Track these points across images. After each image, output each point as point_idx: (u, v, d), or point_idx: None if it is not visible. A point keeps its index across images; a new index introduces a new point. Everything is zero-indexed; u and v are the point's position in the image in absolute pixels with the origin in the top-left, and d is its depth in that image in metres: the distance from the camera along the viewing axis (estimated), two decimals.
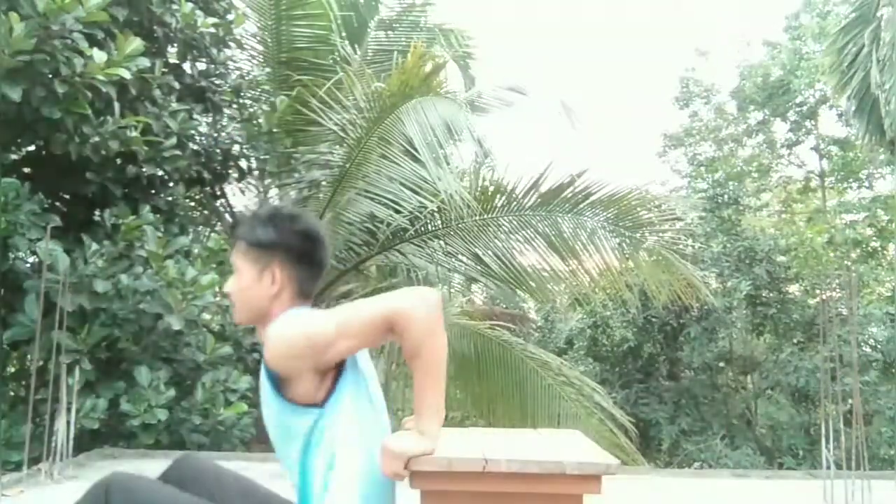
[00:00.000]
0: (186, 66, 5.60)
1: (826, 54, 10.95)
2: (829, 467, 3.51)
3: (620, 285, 7.17)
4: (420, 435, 1.57)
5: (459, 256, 7.18)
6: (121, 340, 4.43)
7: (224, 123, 5.92)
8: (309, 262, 1.74)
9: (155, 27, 5.04)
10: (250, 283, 1.71)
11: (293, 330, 1.59)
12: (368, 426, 1.67)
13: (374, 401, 1.72)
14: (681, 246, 7.47)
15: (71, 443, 3.76)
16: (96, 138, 4.34)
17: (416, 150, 6.05)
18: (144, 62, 4.33)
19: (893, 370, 9.86)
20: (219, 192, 6.64)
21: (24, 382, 4.78)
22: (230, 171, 5.96)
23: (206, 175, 5.69)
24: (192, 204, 6.45)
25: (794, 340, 10.48)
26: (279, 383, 1.61)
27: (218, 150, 5.65)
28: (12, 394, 4.81)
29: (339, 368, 1.64)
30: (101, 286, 4.26)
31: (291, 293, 1.71)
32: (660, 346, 10.63)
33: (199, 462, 1.86)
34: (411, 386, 1.61)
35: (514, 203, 6.72)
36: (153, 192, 5.32)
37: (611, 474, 1.56)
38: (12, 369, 5.08)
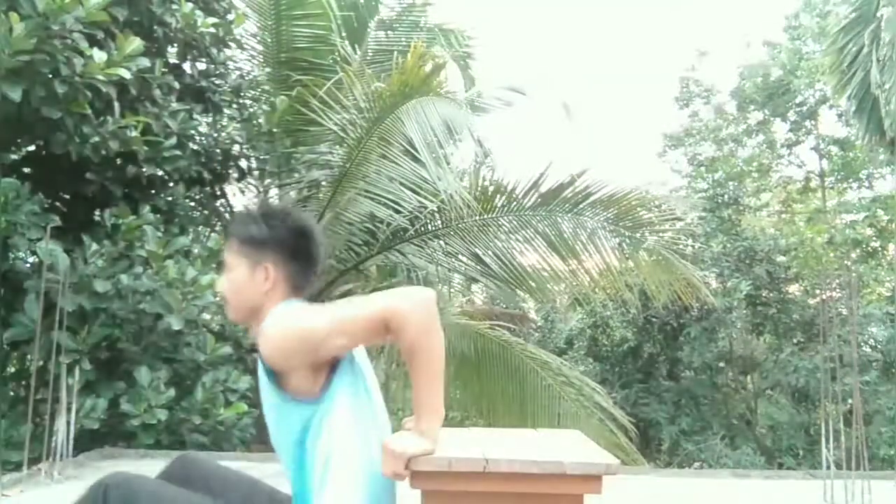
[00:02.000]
0: (186, 66, 5.61)
1: (826, 54, 10.96)
2: (829, 467, 3.51)
3: (620, 285, 7.16)
4: (420, 435, 1.56)
5: (459, 256, 7.18)
6: (121, 340, 4.44)
7: (224, 123, 5.92)
8: (302, 258, 1.74)
9: (155, 27, 5.04)
10: (243, 279, 1.71)
11: (287, 325, 1.59)
12: (366, 421, 1.66)
13: (372, 397, 1.72)
14: (681, 246, 7.47)
15: (71, 443, 3.76)
16: (96, 138, 4.34)
17: (416, 150, 6.05)
18: (144, 62, 4.33)
19: (893, 370, 9.86)
20: (219, 192, 6.64)
21: (24, 382, 4.78)
22: (230, 171, 5.97)
23: (206, 175, 5.69)
24: (192, 204, 6.44)
25: (794, 340, 10.48)
26: (276, 377, 1.61)
27: (218, 150, 5.65)
28: (12, 394, 4.81)
29: (334, 363, 1.63)
30: (101, 286, 4.26)
31: (284, 289, 1.71)
32: (660, 346, 10.63)
33: (198, 460, 1.86)
34: (411, 386, 1.61)
35: (514, 203, 6.72)
36: (153, 192, 5.32)
37: (611, 474, 1.55)
38: (12, 369, 5.07)
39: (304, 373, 1.59)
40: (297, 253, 1.73)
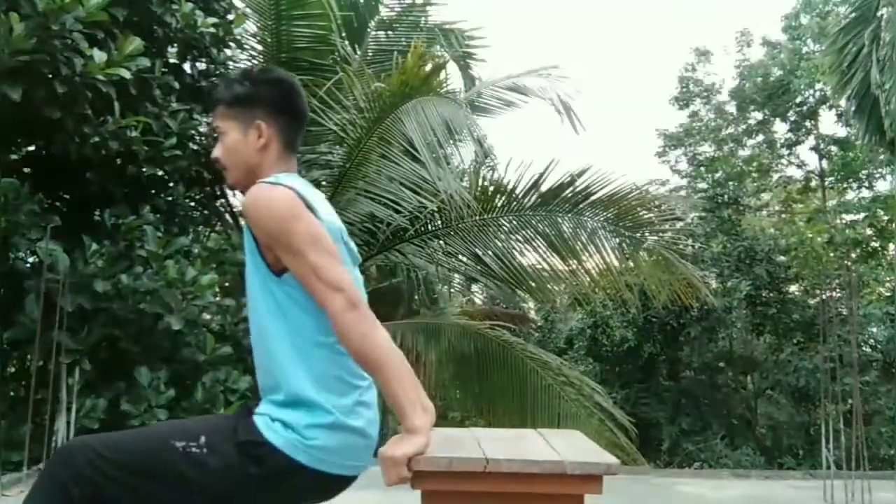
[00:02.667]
0: (186, 66, 5.60)
1: (826, 54, 10.95)
2: (829, 467, 3.51)
3: (620, 285, 7.16)
4: (411, 434, 1.54)
5: (459, 256, 7.18)
6: (121, 340, 4.43)
7: None
8: (290, 111, 1.74)
9: (155, 27, 5.03)
10: (237, 140, 1.71)
11: (273, 206, 1.56)
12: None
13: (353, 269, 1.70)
14: (681, 246, 7.48)
15: None
16: (96, 138, 4.34)
17: (416, 150, 6.06)
18: (144, 62, 4.32)
19: (893, 370, 9.86)
20: (219, 192, 6.64)
21: (24, 382, 4.78)
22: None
23: (206, 175, 5.69)
24: (192, 204, 6.45)
25: (794, 340, 10.48)
26: (259, 246, 1.60)
27: None
28: (12, 394, 4.81)
29: None
30: (101, 286, 4.26)
31: (278, 145, 1.72)
32: (660, 346, 10.62)
33: None
34: (383, 393, 1.60)
35: (514, 203, 6.72)
36: (153, 192, 5.32)
37: (611, 474, 1.55)
38: (12, 369, 5.07)
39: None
40: (285, 106, 1.74)
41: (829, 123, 17.37)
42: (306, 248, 1.54)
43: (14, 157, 4.90)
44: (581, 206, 6.66)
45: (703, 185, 15.75)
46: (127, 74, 4.12)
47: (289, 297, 1.60)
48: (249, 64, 6.85)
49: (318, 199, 1.71)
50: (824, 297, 4.84)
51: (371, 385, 1.67)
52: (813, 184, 18.19)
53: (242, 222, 1.59)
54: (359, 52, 7.67)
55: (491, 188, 6.83)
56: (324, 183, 6.63)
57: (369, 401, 1.66)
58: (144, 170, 4.98)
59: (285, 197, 1.58)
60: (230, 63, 6.05)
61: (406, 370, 1.57)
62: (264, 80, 1.76)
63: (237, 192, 6.78)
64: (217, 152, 1.75)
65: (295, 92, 1.77)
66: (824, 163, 17.72)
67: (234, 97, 1.73)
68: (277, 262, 1.59)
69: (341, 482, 1.63)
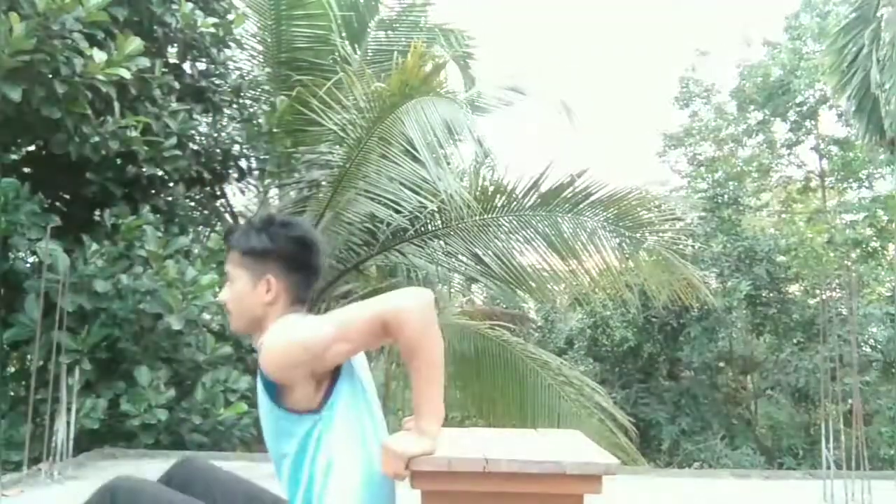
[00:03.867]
0: (186, 66, 5.60)
1: (826, 54, 10.95)
2: (829, 467, 3.51)
3: (620, 285, 7.16)
4: (420, 435, 1.56)
5: (459, 256, 7.18)
6: (121, 340, 4.43)
7: (224, 123, 5.92)
8: (304, 269, 1.73)
9: (155, 27, 5.04)
10: (245, 291, 1.71)
11: (289, 339, 1.59)
12: (367, 431, 1.66)
13: (373, 407, 1.72)
14: (681, 246, 7.47)
15: (71, 443, 3.76)
16: (96, 138, 4.34)
17: (416, 150, 6.05)
18: (144, 62, 4.32)
19: (893, 370, 9.86)
20: (219, 192, 6.64)
21: (24, 382, 4.77)
22: (230, 171, 5.97)
23: (206, 175, 5.69)
24: (192, 204, 6.45)
25: (794, 340, 10.48)
26: (276, 391, 1.61)
27: (218, 150, 5.65)
28: (12, 394, 4.80)
29: (334, 374, 1.63)
30: (101, 286, 4.26)
31: (287, 300, 1.71)
32: (660, 346, 10.63)
33: (199, 463, 1.86)
34: (411, 386, 1.61)
35: (514, 203, 6.72)
36: (153, 192, 5.32)
37: (611, 474, 1.56)
38: (12, 369, 5.07)
39: (307, 384, 1.59)
40: (298, 264, 1.72)
41: (829, 123, 17.35)
42: (333, 324, 1.58)
43: (14, 157, 4.90)
44: (581, 206, 6.66)
45: (703, 185, 15.74)
46: (127, 74, 4.12)
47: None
48: (250, 64, 6.85)
49: None
50: (824, 297, 4.84)
51: None
52: (813, 184, 18.18)
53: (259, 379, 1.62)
54: (359, 52, 7.67)
55: (491, 188, 6.82)
56: (324, 183, 6.63)
57: None
58: (144, 170, 4.98)
59: (296, 325, 1.63)
60: (230, 63, 6.06)
61: (441, 375, 1.59)
62: (285, 236, 1.72)
63: (237, 192, 6.80)
64: (223, 296, 1.76)
65: (312, 249, 1.75)
66: (824, 163, 17.71)
67: (250, 249, 1.71)
68: (313, 397, 1.61)
69: None
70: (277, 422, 1.63)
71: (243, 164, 6.01)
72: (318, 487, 1.60)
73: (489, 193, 6.78)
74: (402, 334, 1.54)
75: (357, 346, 1.63)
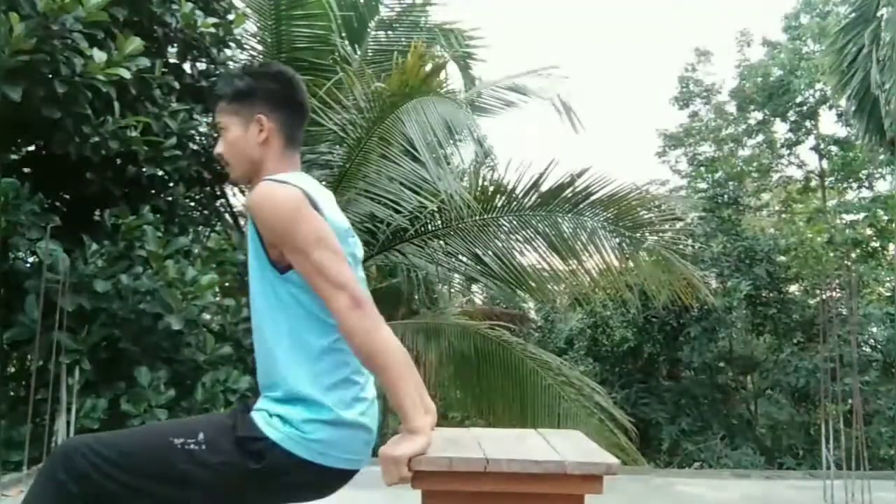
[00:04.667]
0: (186, 66, 5.59)
1: (826, 54, 10.96)
2: (829, 467, 3.51)
3: (620, 285, 7.17)
4: (411, 434, 1.55)
5: (459, 256, 7.18)
6: (121, 340, 4.43)
7: None
8: (290, 104, 1.75)
9: (155, 27, 5.03)
10: (239, 135, 1.71)
11: (278, 205, 1.57)
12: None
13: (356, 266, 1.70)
14: (681, 246, 7.48)
15: None
16: (96, 138, 4.33)
17: (416, 150, 6.05)
18: (144, 62, 4.32)
19: (893, 370, 9.86)
20: (219, 192, 6.64)
21: (24, 382, 4.77)
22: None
23: (206, 175, 5.68)
24: (192, 204, 6.44)
25: (794, 340, 10.48)
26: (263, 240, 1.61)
27: None
28: (12, 394, 4.80)
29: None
30: (101, 286, 4.26)
31: (280, 139, 1.72)
32: (660, 346, 10.63)
33: None
34: (385, 391, 1.59)
35: (514, 203, 6.72)
36: (153, 192, 5.32)
37: (611, 474, 1.56)
38: (12, 369, 5.07)
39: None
40: (285, 100, 1.74)
41: (829, 123, 17.42)
42: (311, 248, 1.55)
43: (14, 157, 4.89)
44: (581, 206, 6.66)
45: (703, 185, 15.74)
46: (127, 74, 4.11)
47: (290, 295, 1.60)
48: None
49: (326, 198, 1.71)
50: (824, 297, 4.84)
51: (370, 380, 1.67)
52: (813, 184, 18.19)
53: (247, 220, 1.59)
54: (359, 52, 7.67)
55: (491, 188, 6.83)
56: (324, 183, 6.61)
57: (368, 396, 1.66)
58: (144, 170, 4.98)
59: (291, 196, 1.58)
60: (230, 63, 6.05)
61: (410, 370, 1.57)
62: (264, 73, 1.76)
63: (237, 192, 6.82)
64: (219, 148, 1.76)
65: (295, 85, 1.77)
66: (824, 163, 17.72)
67: (235, 92, 1.73)
68: (281, 258, 1.60)
69: (341, 476, 1.63)
70: (266, 278, 1.61)
71: None
72: (287, 351, 1.58)
73: (489, 193, 6.78)
74: (349, 340, 1.54)
75: (314, 275, 1.56)
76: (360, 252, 1.77)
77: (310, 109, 1.84)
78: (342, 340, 1.59)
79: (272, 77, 1.75)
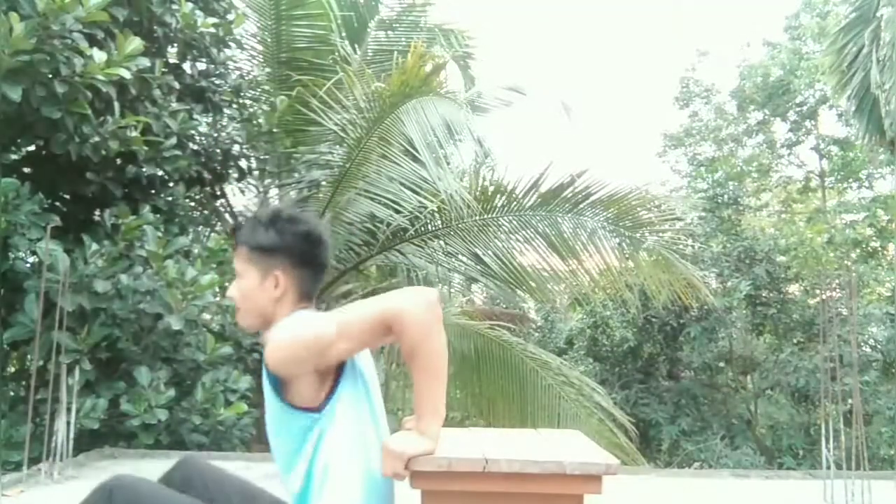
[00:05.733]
0: (186, 66, 5.60)
1: (826, 54, 10.93)
2: (829, 467, 3.51)
3: (620, 285, 7.16)
4: (420, 435, 1.57)
5: (459, 256, 7.18)
6: (121, 340, 4.43)
7: (224, 123, 5.92)
8: (311, 264, 1.74)
9: (155, 27, 5.03)
10: (253, 287, 1.71)
11: (294, 334, 1.59)
12: (367, 433, 1.67)
13: (375, 407, 1.72)
14: (681, 246, 7.47)
15: (71, 443, 3.76)
16: (96, 138, 4.34)
17: (416, 150, 6.06)
18: (144, 62, 4.32)
19: (893, 370, 9.85)
20: (219, 192, 6.64)
21: (24, 382, 4.77)
22: (230, 171, 5.96)
23: (206, 175, 5.69)
24: (192, 204, 6.45)
25: (794, 340, 10.47)
26: (280, 386, 1.61)
27: (218, 150, 5.65)
28: (12, 394, 4.80)
29: (337, 373, 1.64)
30: (101, 286, 4.26)
31: (294, 296, 1.72)
32: (660, 346, 10.62)
33: (200, 464, 1.86)
34: (411, 386, 1.61)
35: (514, 203, 6.72)
36: (153, 192, 5.32)
37: (611, 474, 1.56)
38: (12, 369, 5.07)
39: (310, 380, 1.60)
40: (306, 260, 1.73)
41: (829, 123, 17.36)
42: (337, 322, 1.58)
43: (14, 157, 4.89)
44: (581, 206, 6.66)
45: (703, 186, 15.73)
46: (127, 74, 4.11)
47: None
48: (250, 64, 6.85)
49: None
50: (824, 297, 4.83)
51: None
52: (813, 184, 18.18)
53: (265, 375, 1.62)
54: (359, 52, 7.67)
55: (491, 188, 6.82)
56: (324, 183, 6.63)
57: None
58: (144, 170, 4.98)
59: (298, 330, 1.62)
60: (230, 63, 6.06)
61: (444, 377, 1.60)
62: (292, 232, 1.72)
63: (237, 192, 6.81)
64: (232, 292, 1.76)
65: (319, 244, 1.75)
66: (824, 163, 17.72)
67: (257, 245, 1.72)
68: (316, 395, 1.61)
69: None
70: (281, 416, 1.63)
71: (243, 164, 6.00)
72: (317, 486, 1.60)
73: (489, 193, 6.78)
74: (405, 335, 1.54)
75: (359, 345, 1.63)
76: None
77: (329, 264, 1.83)
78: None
79: (297, 235, 1.72)
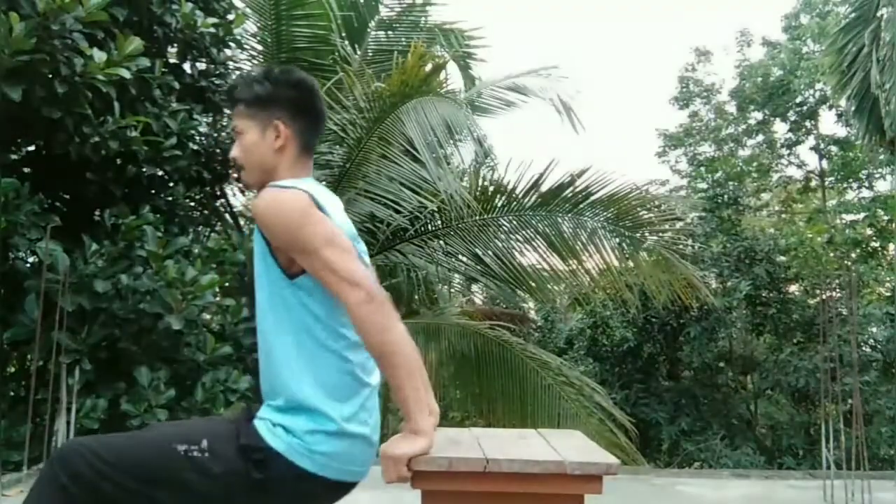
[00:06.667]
0: (186, 66, 5.60)
1: (826, 54, 10.94)
2: (829, 467, 3.51)
3: (620, 285, 7.17)
4: (414, 434, 1.55)
5: (459, 256, 7.18)
6: (121, 340, 4.43)
7: (224, 123, 5.91)
8: (308, 112, 1.75)
9: (155, 27, 5.03)
10: (255, 141, 1.71)
11: (287, 208, 1.57)
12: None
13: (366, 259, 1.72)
14: (681, 246, 7.48)
15: None
16: (96, 138, 4.33)
17: (416, 150, 6.06)
18: (144, 62, 4.32)
19: (893, 370, 9.85)
20: (219, 192, 6.64)
21: (24, 382, 4.77)
22: (230, 171, 5.96)
23: (206, 175, 5.68)
24: (192, 204, 6.44)
25: (794, 340, 10.47)
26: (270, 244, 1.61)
27: (218, 150, 5.65)
28: (12, 394, 4.80)
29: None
30: (101, 286, 4.25)
31: (296, 147, 1.72)
32: (660, 346, 10.62)
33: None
34: (391, 389, 1.59)
35: (514, 203, 6.73)
36: (153, 192, 5.32)
37: (611, 474, 1.56)
38: (12, 369, 5.07)
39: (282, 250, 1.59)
40: (303, 108, 1.74)
41: (829, 123, 17.42)
42: (321, 247, 1.54)
43: (14, 157, 4.89)
44: (581, 206, 6.66)
45: (702, 185, 15.76)
46: (127, 74, 4.11)
47: (298, 302, 1.60)
48: (250, 64, 6.85)
49: (333, 202, 1.71)
50: (824, 297, 4.84)
51: (374, 391, 1.67)
52: (813, 184, 18.19)
53: (248, 222, 1.59)
54: (359, 52, 7.67)
55: (491, 188, 6.83)
56: (324, 183, 6.62)
57: (372, 406, 1.66)
58: (144, 170, 4.98)
59: (297, 199, 1.58)
60: (230, 63, 6.05)
61: (419, 369, 1.57)
62: (285, 81, 1.74)
63: (237, 192, 6.81)
64: (235, 152, 1.75)
65: (315, 94, 1.77)
66: (824, 163, 17.73)
67: (254, 97, 1.72)
68: (291, 264, 1.59)
69: (343, 488, 1.62)
70: (275, 285, 1.61)
71: None
72: (294, 358, 1.58)
73: (489, 193, 6.78)
74: (363, 335, 1.53)
75: (325, 274, 1.56)
76: (366, 258, 1.78)
77: (326, 117, 1.84)
78: (349, 349, 1.59)
79: (294, 85, 1.74)
